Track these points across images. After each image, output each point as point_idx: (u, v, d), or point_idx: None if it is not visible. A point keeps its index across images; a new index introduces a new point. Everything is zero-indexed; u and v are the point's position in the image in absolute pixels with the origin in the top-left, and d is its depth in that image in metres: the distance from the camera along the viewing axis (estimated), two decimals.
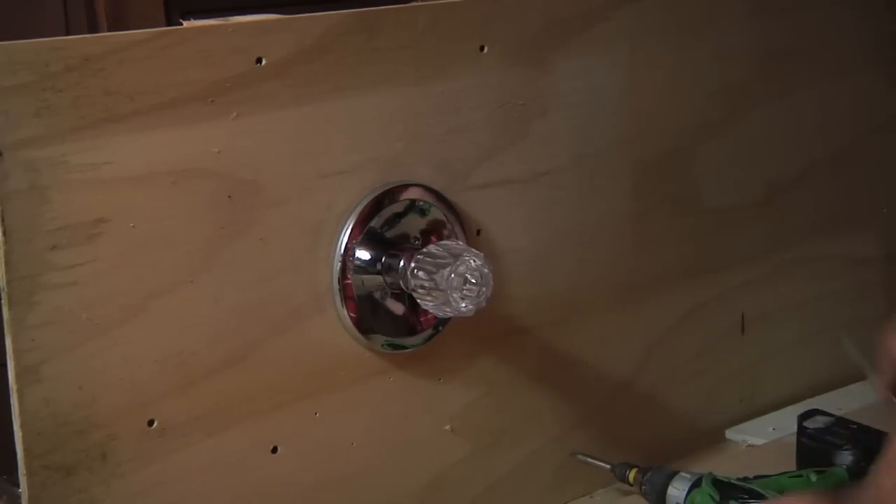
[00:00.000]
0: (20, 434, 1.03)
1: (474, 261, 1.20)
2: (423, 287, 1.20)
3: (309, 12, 1.16)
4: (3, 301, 1.02)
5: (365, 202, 1.20)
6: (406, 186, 1.23)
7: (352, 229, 1.20)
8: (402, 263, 1.21)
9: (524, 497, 1.37)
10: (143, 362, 1.09)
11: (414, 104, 1.23)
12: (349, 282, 1.20)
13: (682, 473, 1.29)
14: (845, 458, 1.31)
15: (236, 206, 1.13)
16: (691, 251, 1.48)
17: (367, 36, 1.19)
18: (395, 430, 1.27)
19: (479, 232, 1.30)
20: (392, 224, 1.22)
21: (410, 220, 1.24)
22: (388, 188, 1.22)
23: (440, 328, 1.26)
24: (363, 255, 1.20)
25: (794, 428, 1.39)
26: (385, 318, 1.23)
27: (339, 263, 1.20)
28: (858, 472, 1.30)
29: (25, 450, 1.04)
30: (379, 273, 1.21)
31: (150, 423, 1.10)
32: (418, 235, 1.24)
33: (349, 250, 1.20)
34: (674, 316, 1.47)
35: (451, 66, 1.25)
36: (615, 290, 1.42)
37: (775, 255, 1.57)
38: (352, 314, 1.21)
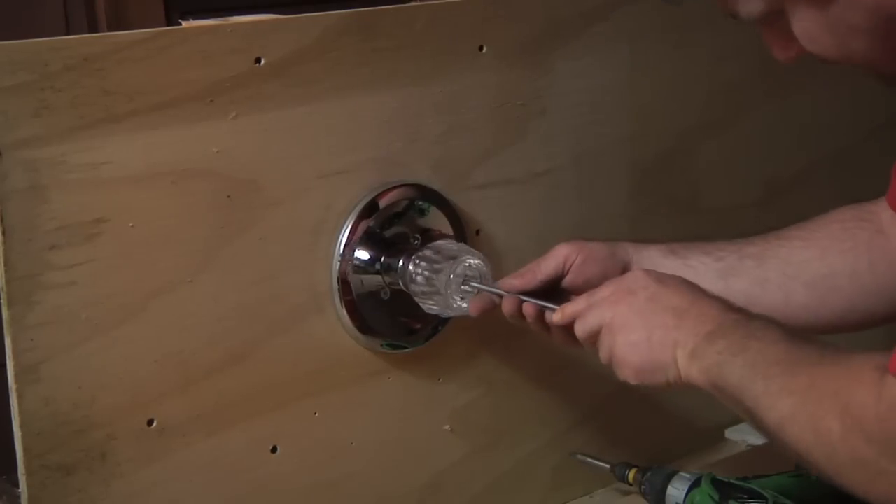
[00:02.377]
0: (20, 434, 1.03)
1: (474, 261, 1.20)
2: (422, 288, 1.20)
3: (308, 12, 1.16)
4: (2, 301, 1.02)
5: (364, 202, 1.21)
6: (405, 186, 1.23)
7: (351, 229, 1.20)
8: (401, 263, 1.21)
9: (523, 497, 1.37)
10: (142, 362, 1.09)
11: (413, 104, 1.23)
12: (349, 282, 1.20)
13: (682, 473, 1.29)
14: None
15: (236, 205, 1.13)
16: None
17: (365, 36, 1.19)
18: (395, 429, 1.27)
19: (478, 232, 1.30)
20: (391, 224, 1.22)
21: (409, 220, 1.24)
22: (387, 188, 1.22)
23: (440, 328, 1.27)
24: (362, 254, 1.20)
25: None
26: (384, 317, 1.23)
27: (339, 263, 1.20)
28: None
29: (25, 449, 1.04)
30: (378, 273, 1.21)
31: (150, 422, 1.10)
32: (417, 235, 1.24)
33: (348, 250, 1.20)
34: None
35: (450, 66, 1.25)
36: None
37: None
38: (351, 314, 1.21)
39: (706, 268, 1.23)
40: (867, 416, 0.93)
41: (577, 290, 1.21)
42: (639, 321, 1.09)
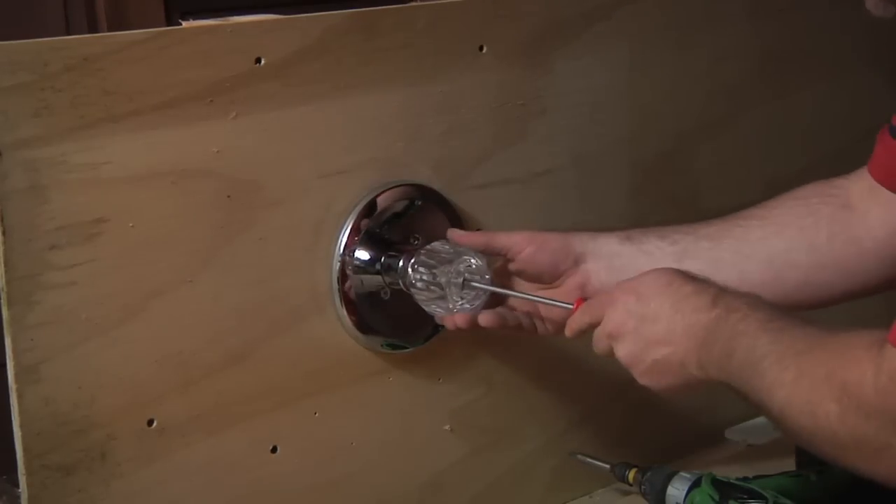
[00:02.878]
0: (20, 434, 1.03)
1: (474, 261, 1.20)
2: (423, 288, 1.20)
3: (309, 12, 1.16)
4: (2, 301, 1.02)
5: (364, 202, 1.21)
6: (405, 186, 1.23)
7: (351, 229, 1.20)
8: (401, 263, 1.21)
9: (523, 497, 1.37)
10: (142, 362, 1.09)
11: (413, 104, 1.23)
12: (349, 282, 1.20)
13: (682, 473, 1.29)
14: None
15: (236, 205, 1.13)
16: None
17: (366, 36, 1.19)
18: (395, 429, 1.27)
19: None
20: (391, 224, 1.22)
21: (410, 220, 1.24)
22: (387, 188, 1.22)
23: (440, 328, 1.26)
24: (362, 254, 1.20)
25: None
26: (384, 318, 1.23)
27: (339, 263, 1.20)
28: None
29: (25, 449, 1.04)
30: (378, 273, 1.21)
31: (150, 422, 1.10)
32: (417, 235, 1.24)
33: (348, 250, 1.20)
34: None
35: (451, 66, 1.25)
36: None
37: None
38: (351, 314, 1.21)
39: (662, 252, 1.24)
40: (865, 393, 0.92)
41: (528, 278, 1.24)
42: (638, 354, 1.11)
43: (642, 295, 1.11)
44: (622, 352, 1.12)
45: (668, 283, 1.11)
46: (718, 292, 1.09)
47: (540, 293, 1.24)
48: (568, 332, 1.18)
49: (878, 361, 0.92)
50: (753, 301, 1.07)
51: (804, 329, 1.02)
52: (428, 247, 1.21)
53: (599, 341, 1.15)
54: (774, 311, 1.06)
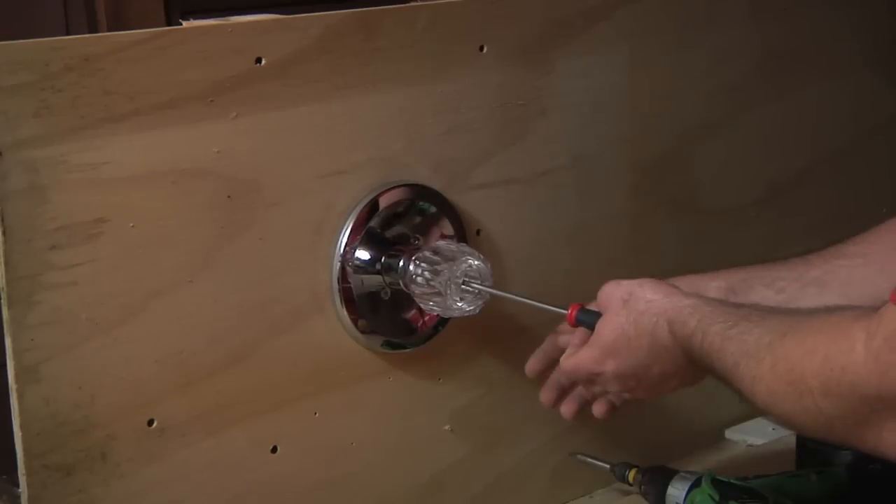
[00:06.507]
0: (20, 434, 1.03)
1: (474, 261, 1.20)
2: (423, 289, 1.20)
3: (309, 12, 1.16)
4: (2, 301, 1.02)
5: (364, 202, 1.21)
6: (405, 186, 1.23)
7: (351, 229, 1.20)
8: (401, 263, 1.21)
9: (523, 497, 1.37)
10: (142, 362, 1.09)
11: (413, 104, 1.23)
12: (349, 282, 1.20)
13: (682, 473, 1.29)
14: (845, 457, 1.31)
15: (236, 205, 1.13)
16: (690, 251, 1.48)
17: (366, 36, 1.19)
18: (395, 429, 1.27)
19: (478, 232, 1.30)
20: (392, 224, 1.22)
21: (410, 220, 1.24)
22: (387, 188, 1.22)
23: (440, 328, 1.27)
24: (363, 254, 1.20)
25: None
26: (385, 317, 1.23)
27: (339, 263, 1.20)
28: (858, 471, 1.30)
29: (25, 450, 1.04)
30: (379, 273, 1.21)
31: (150, 422, 1.10)
32: (418, 235, 1.24)
33: (349, 250, 1.20)
34: None
35: (451, 66, 1.25)
36: None
37: (775, 255, 1.56)
38: (351, 314, 1.21)
39: (767, 302, 1.22)
40: (854, 361, 0.91)
41: None
42: (631, 382, 1.16)
43: (616, 342, 1.14)
44: (618, 386, 1.17)
45: (623, 332, 1.14)
46: (670, 322, 1.11)
47: None
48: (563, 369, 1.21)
49: (871, 327, 0.91)
50: (705, 315, 1.08)
51: (767, 323, 1.03)
52: (428, 247, 1.21)
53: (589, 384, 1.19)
54: (728, 314, 1.07)
